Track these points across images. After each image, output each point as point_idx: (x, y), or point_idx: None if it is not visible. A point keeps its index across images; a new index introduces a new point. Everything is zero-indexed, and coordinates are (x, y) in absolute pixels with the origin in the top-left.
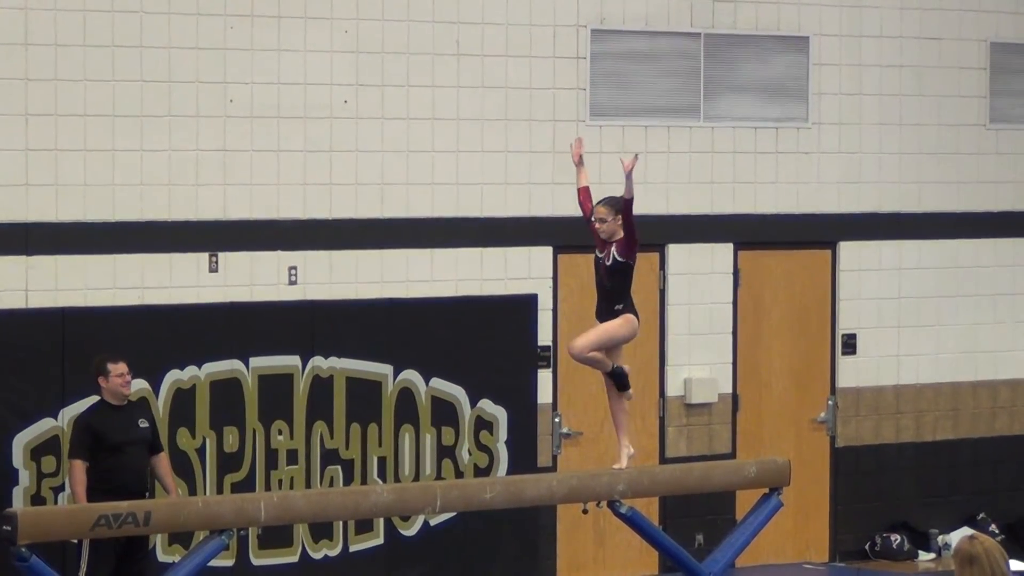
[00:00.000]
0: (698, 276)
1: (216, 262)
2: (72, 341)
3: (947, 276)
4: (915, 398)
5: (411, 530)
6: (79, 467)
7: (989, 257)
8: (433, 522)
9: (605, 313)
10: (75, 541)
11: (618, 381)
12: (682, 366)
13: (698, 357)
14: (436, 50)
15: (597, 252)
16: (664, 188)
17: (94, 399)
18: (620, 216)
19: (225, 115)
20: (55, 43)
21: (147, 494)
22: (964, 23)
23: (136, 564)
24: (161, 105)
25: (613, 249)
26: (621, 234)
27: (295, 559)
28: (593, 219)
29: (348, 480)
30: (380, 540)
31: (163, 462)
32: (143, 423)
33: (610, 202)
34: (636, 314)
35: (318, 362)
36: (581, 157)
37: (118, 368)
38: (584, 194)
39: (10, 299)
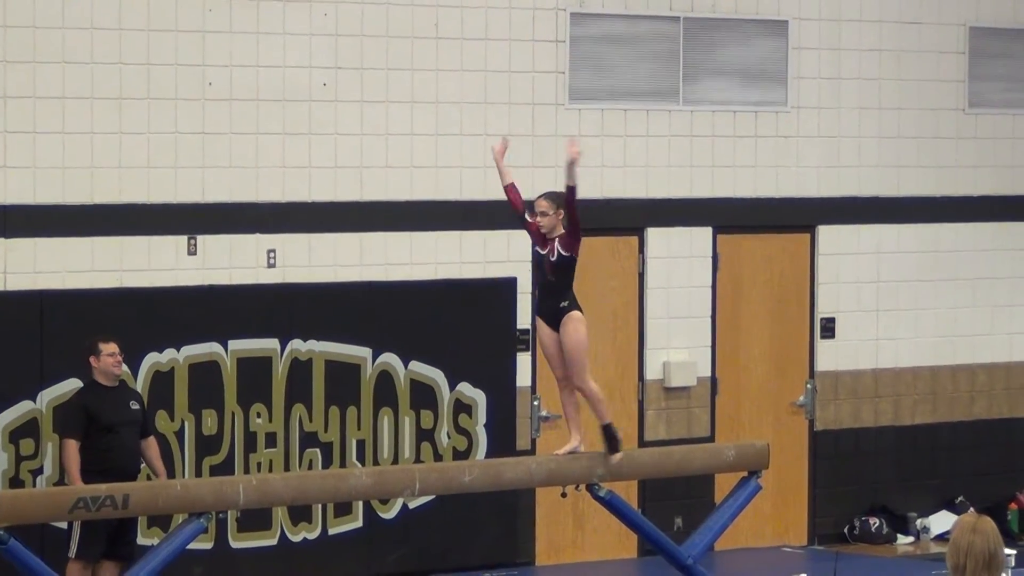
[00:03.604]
0: (677, 260)
1: (195, 245)
2: (50, 324)
3: (926, 260)
4: (894, 382)
5: (390, 513)
6: (72, 446)
7: (968, 241)
8: (412, 505)
9: (549, 311)
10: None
11: (609, 442)
12: (661, 350)
13: (677, 341)
14: (415, 33)
15: (538, 250)
16: (643, 172)
17: (73, 382)
18: (561, 210)
19: (204, 98)
20: (33, 25)
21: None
22: (943, 7)
23: (127, 547)
24: (140, 88)
25: (557, 244)
26: (562, 229)
27: (274, 542)
28: (535, 212)
29: (327, 463)
30: (359, 523)
31: (152, 446)
32: (134, 405)
33: (551, 196)
34: (579, 308)
35: (297, 345)
36: (503, 154)
37: (109, 347)
38: (511, 191)
39: None
